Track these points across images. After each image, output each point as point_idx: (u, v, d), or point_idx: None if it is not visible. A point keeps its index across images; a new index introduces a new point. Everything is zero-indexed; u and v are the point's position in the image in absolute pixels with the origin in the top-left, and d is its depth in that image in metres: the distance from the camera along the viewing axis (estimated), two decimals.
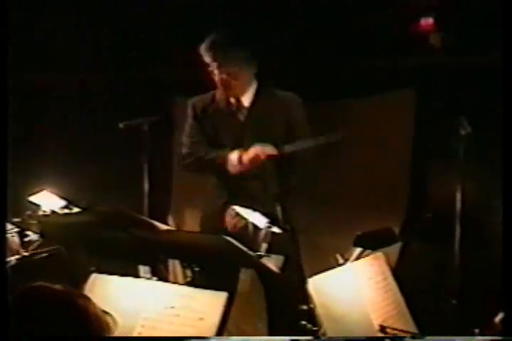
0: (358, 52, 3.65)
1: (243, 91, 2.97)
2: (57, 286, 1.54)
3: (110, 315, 1.61)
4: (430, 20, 3.64)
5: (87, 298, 1.57)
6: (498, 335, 2.01)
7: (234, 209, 2.81)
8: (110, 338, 1.56)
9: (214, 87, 3.01)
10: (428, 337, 2.15)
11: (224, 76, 2.89)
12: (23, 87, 3.90)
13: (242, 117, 2.99)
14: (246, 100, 2.99)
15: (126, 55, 3.95)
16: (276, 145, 2.87)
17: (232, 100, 3.00)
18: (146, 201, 3.33)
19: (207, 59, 2.91)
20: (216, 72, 2.90)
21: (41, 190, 3.04)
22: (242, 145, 2.95)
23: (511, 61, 2.27)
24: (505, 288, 2.07)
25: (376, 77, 3.68)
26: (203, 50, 2.90)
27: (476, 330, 2.13)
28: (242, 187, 2.96)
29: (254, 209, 2.47)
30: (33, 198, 3.00)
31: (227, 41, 2.87)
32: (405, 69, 3.67)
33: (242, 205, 2.65)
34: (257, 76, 3.01)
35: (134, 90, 4.05)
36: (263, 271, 2.28)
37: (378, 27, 3.60)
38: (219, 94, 3.01)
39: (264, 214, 2.45)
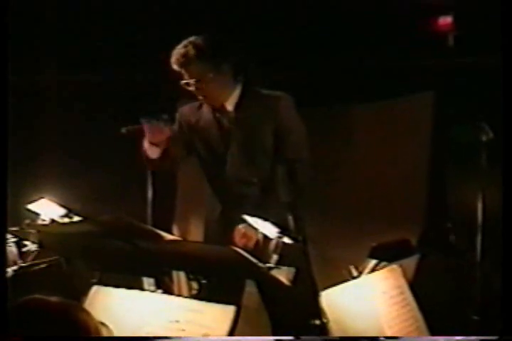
0: (372, 54, 3.68)
1: (225, 97, 2.99)
2: (54, 298, 1.56)
3: (106, 327, 1.63)
4: (449, 19, 3.65)
5: (85, 310, 1.59)
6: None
7: (242, 229, 2.83)
8: (110, 338, 1.58)
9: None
10: (425, 338, 2.17)
11: (198, 86, 2.92)
12: (22, 91, 3.95)
13: (226, 123, 3.01)
14: (230, 105, 3.01)
15: (128, 56, 3.99)
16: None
17: (217, 106, 3.02)
18: (149, 209, 3.36)
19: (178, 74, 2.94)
20: (190, 83, 2.93)
21: (40, 198, 3.06)
22: (228, 151, 2.97)
23: None
24: (505, 288, 2.08)
25: (391, 80, 3.70)
26: (173, 65, 2.94)
27: None
28: (242, 195, 2.98)
29: (265, 219, 2.48)
30: (31, 206, 3.02)
31: (190, 53, 2.88)
32: (422, 71, 3.68)
33: (243, 214, 2.67)
34: (243, 79, 3.02)
35: (137, 93, 4.08)
36: (273, 284, 2.30)
37: (393, 26, 3.62)
38: (204, 101, 3.05)
39: (275, 223, 2.47)
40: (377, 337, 2.19)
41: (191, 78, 2.92)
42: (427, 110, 3.76)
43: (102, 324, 1.61)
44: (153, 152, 2.95)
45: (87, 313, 1.57)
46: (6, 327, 1.51)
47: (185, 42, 2.93)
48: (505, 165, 2.29)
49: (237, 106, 3.00)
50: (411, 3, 3.64)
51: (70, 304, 1.56)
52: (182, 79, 2.95)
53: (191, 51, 2.89)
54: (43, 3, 3.97)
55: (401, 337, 2.25)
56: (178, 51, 2.92)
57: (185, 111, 3.11)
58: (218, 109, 3.02)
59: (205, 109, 3.06)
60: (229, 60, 2.96)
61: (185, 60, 2.89)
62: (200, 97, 2.98)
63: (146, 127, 2.87)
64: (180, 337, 2.07)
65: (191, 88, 2.95)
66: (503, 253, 2.20)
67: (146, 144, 2.95)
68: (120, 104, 4.06)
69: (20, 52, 3.61)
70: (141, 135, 3.06)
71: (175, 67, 2.94)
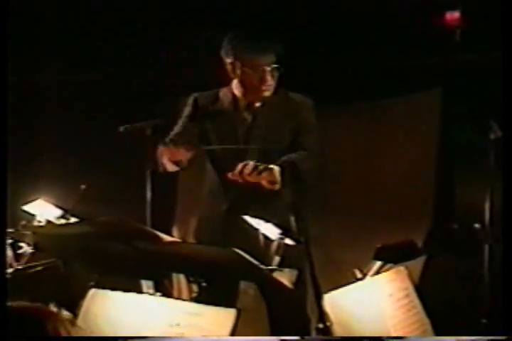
0: (379, 52, 3.68)
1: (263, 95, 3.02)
2: (22, 303, 1.56)
3: (82, 331, 1.63)
4: (456, 14, 3.64)
5: (53, 314, 1.59)
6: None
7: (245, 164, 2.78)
8: (110, 338, 1.58)
9: (219, 86, 3.06)
10: (430, 338, 2.17)
11: (246, 70, 2.94)
12: (22, 91, 3.97)
13: (249, 117, 3.03)
14: (258, 102, 3.03)
15: (128, 54, 4.01)
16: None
17: (243, 101, 3.03)
18: (148, 210, 3.35)
19: (229, 57, 2.96)
20: (238, 67, 2.95)
21: (36, 199, 3.07)
22: (248, 144, 2.99)
23: None
24: (505, 288, 2.09)
25: (396, 78, 3.70)
26: (225, 49, 2.96)
27: None
28: (245, 194, 2.98)
29: (266, 220, 2.49)
30: (27, 207, 3.03)
31: (249, 35, 2.95)
32: (429, 68, 3.68)
33: (248, 214, 2.67)
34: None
35: (137, 91, 4.09)
36: (275, 286, 2.30)
37: (399, 24, 3.62)
38: (223, 92, 3.06)
39: (277, 224, 2.47)
40: (381, 337, 2.20)
41: (239, 67, 2.94)
42: (434, 108, 3.76)
43: (72, 323, 1.60)
44: (171, 167, 2.96)
45: (53, 314, 1.57)
46: (6, 330, 1.51)
47: (240, 31, 2.98)
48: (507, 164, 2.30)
49: (264, 103, 3.02)
50: (411, 2, 3.64)
51: (31, 307, 1.56)
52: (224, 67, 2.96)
53: (247, 41, 2.94)
54: (43, 3, 4.00)
55: (405, 336, 2.26)
56: (235, 38, 2.95)
57: (202, 97, 3.12)
58: (243, 103, 3.03)
59: (225, 101, 3.06)
60: (275, 60, 2.99)
61: (237, 39, 2.94)
62: (241, 88, 2.99)
63: (164, 150, 2.89)
64: (181, 338, 2.07)
65: (237, 78, 2.97)
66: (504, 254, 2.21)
67: (164, 160, 2.94)
68: (120, 104, 4.07)
69: (20, 52, 3.63)
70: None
71: (227, 53, 2.96)
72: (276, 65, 2.95)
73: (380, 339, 2.20)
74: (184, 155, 2.89)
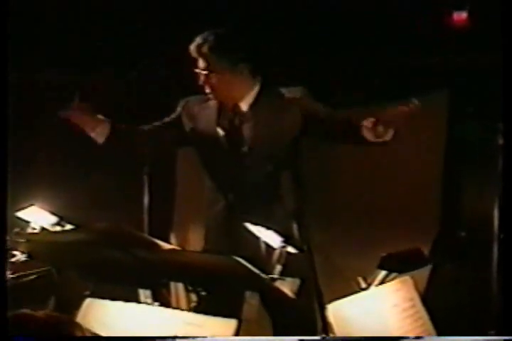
0: (383, 52, 3.69)
1: (241, 97, 3.01)
2: (41, 313, 1.57)
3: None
4: (462, 14, 3.65)
5: (77, 324, 1.59)
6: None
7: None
8: (110, 338, 1.59)
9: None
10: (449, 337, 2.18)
11: (214, 81, 2.93)
12: (21, 90, 3.98)
13: (237, 122, 3.03)
14: (245, 105, 3.03)
15: (128, 54, 4.03)
16: None
17: (229, 105, 3.04)
18: (146, 217, 3.36)
19: (196, 63, 2.96)
20: (204, 77, 2.95)
21: (30, 205, 3.07)
22: (242, 147, 2.99)
23: None
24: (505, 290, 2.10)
25: (401, 80, 3.70)
26: (192, 54, 2.96)
27: None
28: (247, 192, 2.98)
29: (268, 227, 2.49)
30: (20, 214, 3.03)
31: (215, 44, 2.91)
32: (436, 70, 3.68)
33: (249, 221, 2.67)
34: (261, 78, 3.04)
35: (137, 91, 4.11)
36: (277, 296, 2.30)
37: (405, 23, 3.64)
38: (213, 97, 3.07)
39: (278, 232, 2.47)
40: (402, 337, 2.21)
41: (206, 69, 2.93)
42: (440, 111, 3.76)
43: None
44: (96, 136, 3.01)
45: (80, 327, 1.57)
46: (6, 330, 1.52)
47: (209, 32, 2.95)
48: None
49: (252, 105, 3.02)
50: (411, 2, 3.66)
51: (60, 318, 1.56)
52: (196, 68, 2.97)
53: (213, 42, 2.91)
54: (42, 3, 4.02)
55: (423, 336, 2.27)
56: (202, 40, 2.94)
57: (190, 101, 3.12)
58: (231, 109, 3.03)
59: (212, 104, 3.06)
60: (247, 60, 2.97)
61: (201, 48, 2.92)
62: (208, 90, 2.99)
63: (69, 120, 2.93)
64: (190, 337, 2.08)
65: (202, 79, 2.96)
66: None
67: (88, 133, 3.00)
68: (120, 104, 4.09)
69: (20, 52, 3.65)
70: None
71: (194, 54, 2.96)
72: (228, 72, 2.92)
73: (400, 338, 2.21)
74: (79, 115, 2.95)
